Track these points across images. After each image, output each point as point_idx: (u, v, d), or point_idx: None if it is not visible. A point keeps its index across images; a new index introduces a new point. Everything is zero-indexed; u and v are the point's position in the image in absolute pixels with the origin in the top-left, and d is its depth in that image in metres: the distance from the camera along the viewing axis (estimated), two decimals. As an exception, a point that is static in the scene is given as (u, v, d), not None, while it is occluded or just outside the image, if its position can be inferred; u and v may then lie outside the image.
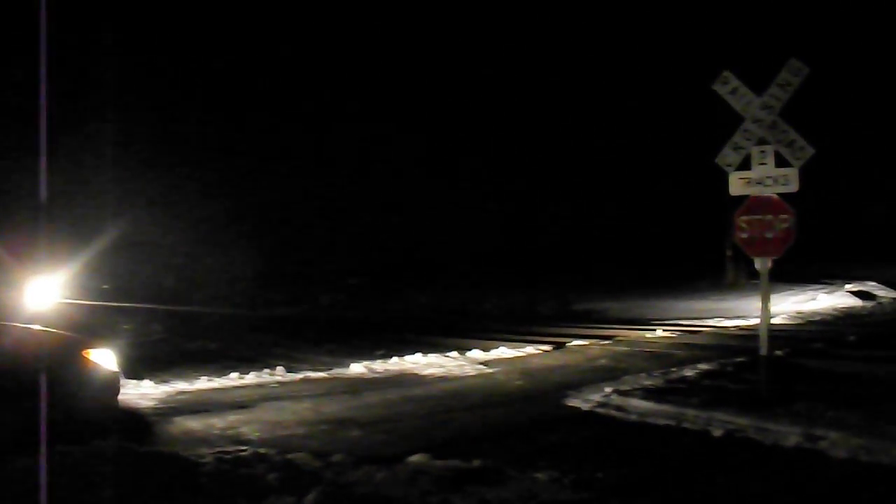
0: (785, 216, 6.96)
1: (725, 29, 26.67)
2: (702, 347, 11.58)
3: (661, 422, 6.64)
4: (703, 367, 8.90)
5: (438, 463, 5.34)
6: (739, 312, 17.11)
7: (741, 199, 7.30)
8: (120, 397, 6.83)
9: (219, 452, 5.54)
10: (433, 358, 10.86)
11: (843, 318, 15.89)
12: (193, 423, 6.96)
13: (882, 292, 20.77)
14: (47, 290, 8.23)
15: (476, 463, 5.33)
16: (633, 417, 6.89)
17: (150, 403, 7.99)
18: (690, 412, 6.70)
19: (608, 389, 7.81)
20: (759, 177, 7.07)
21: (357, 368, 10.20)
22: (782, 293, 19.39)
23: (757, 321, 8.07)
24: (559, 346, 12.24)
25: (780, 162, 6.99)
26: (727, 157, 7.25)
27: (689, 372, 8.62)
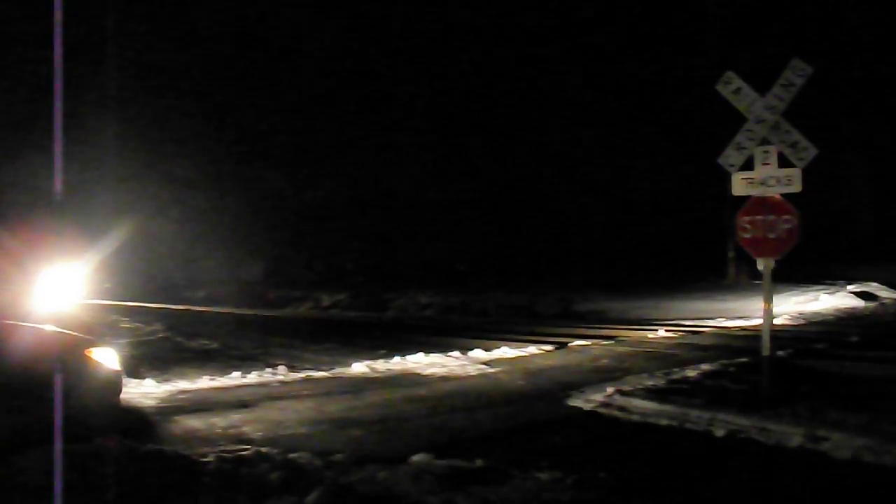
0: (788, 217, 6.94)
1: (728, 28, 26.64)
2: (704, 348, 11.57)
3: (664, 422, 6.64)
4: (706, 367, 8.89)
5: (441, 462, 5.34)
6: (742, 313, 17.08)
7: (744, 199, 7.29)
8: (122, 396, 6.85)
9: (221, 451, 5.54)
10: (435, 357, 10.85)
11: (845, 319, 15.86)
12: (195, 422, 6.96)
13: (884, 293, 20.74)
14: (59, 289, 8.21)
15: (478, 463, 5.34)
16: (636, 418, 6.89)
17: (152, 402, 7.99)
18: (693, 413, 6.69)
19: (610, 390, 7.80)
20: (762, 177, 7.06)
21: (359, 368, 10.20)
22: (784, 294, 19.35)
23: (759, 321, 8.05)
24: (561, 347, 12.23)
25: (783, 162, 6.98)
26: (730, 157, 7.25)
27: (691, 372, 8.60)
